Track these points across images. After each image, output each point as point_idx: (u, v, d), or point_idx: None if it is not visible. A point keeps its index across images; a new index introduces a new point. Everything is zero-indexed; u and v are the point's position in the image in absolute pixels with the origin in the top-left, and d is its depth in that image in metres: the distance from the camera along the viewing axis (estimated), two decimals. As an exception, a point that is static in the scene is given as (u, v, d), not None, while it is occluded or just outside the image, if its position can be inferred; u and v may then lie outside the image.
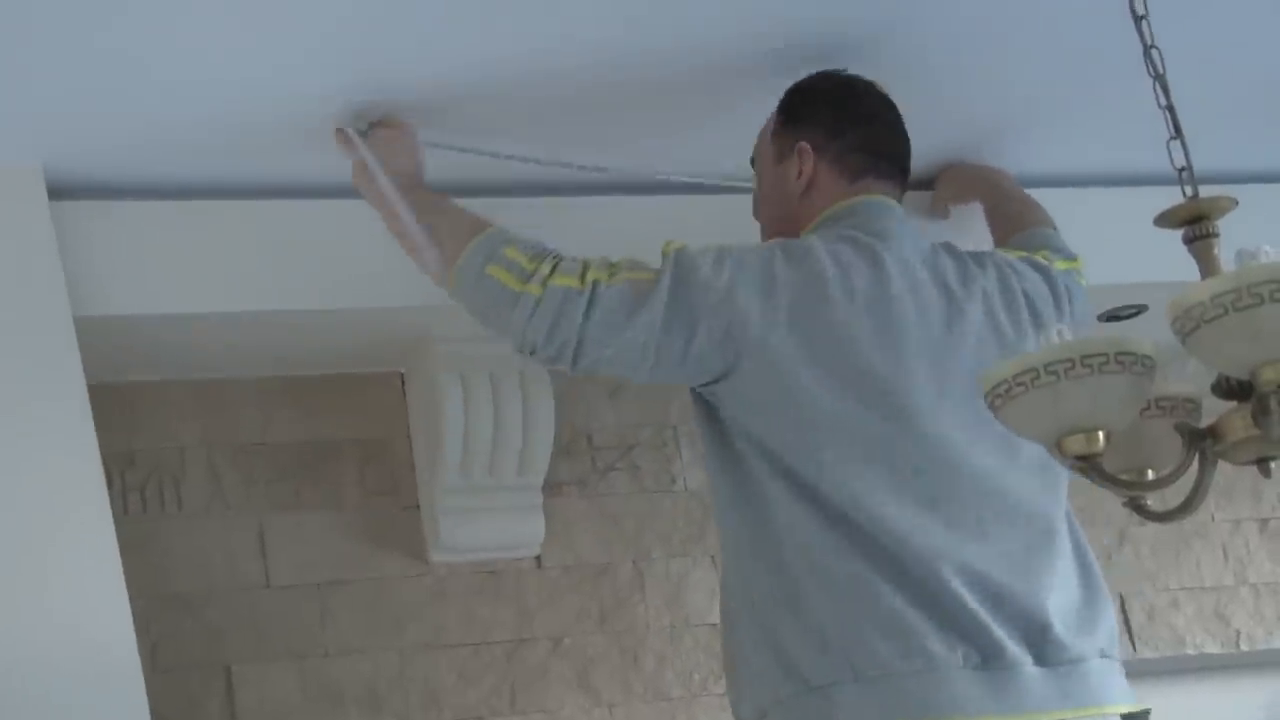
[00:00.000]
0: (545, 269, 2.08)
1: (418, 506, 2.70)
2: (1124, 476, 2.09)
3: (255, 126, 2.34)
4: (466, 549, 2.68)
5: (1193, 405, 2.14)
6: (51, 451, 2.23)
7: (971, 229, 2.65)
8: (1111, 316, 2.92)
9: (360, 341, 2.59)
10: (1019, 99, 2.59)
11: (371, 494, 2.70)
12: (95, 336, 2.32)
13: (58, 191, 2.34)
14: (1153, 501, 2.12)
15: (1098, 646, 2.06)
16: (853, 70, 2.32)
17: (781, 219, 2.26)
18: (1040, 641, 2.00)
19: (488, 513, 2.67)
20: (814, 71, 2.31)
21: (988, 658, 1.97)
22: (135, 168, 2.38)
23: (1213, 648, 3.05)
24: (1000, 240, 2.54)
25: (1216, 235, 2.02)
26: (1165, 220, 2.04)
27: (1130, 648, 2.99)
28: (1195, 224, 2.03)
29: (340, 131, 2.28)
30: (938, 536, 2.00)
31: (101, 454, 2.26)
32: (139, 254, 2.40)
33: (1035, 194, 2.75)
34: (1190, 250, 2.04)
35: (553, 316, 2.06)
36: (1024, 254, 2.38)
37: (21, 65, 2.12)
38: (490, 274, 2.10)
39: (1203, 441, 2.02)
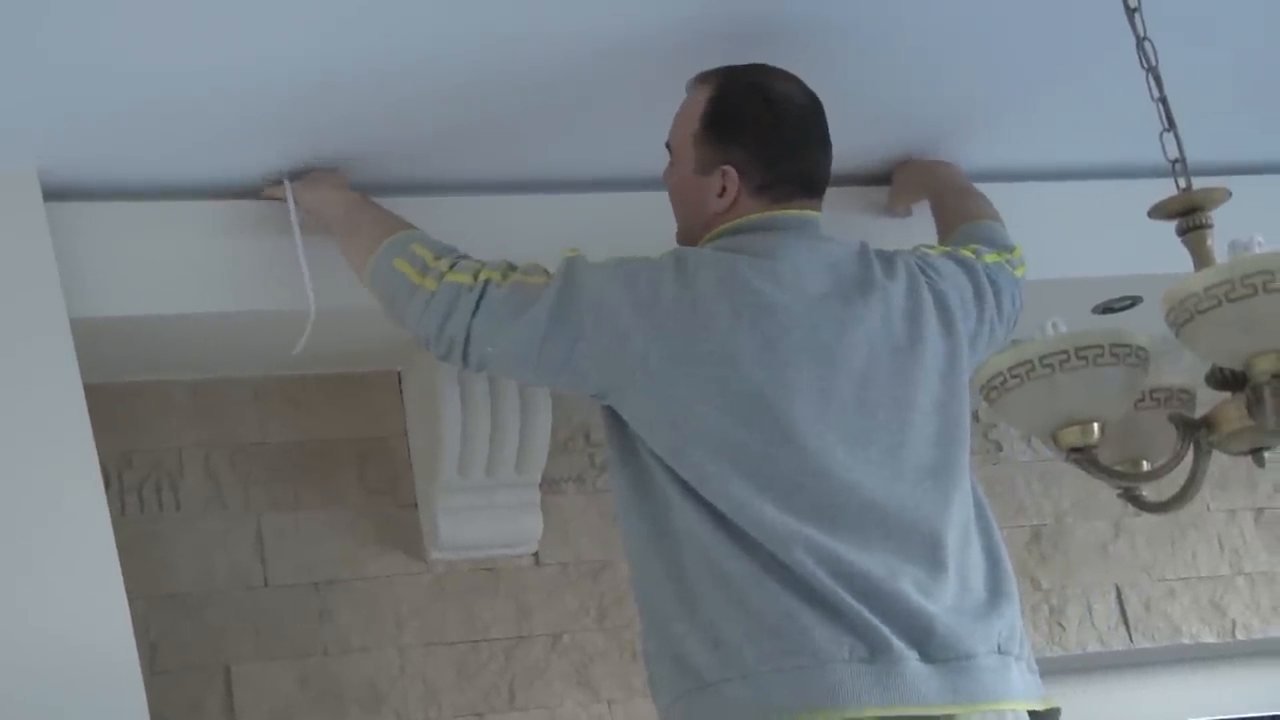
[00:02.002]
0: (444, 266, 2.20)
1: (416, 505, 2.71)
2: (1119, 468, 2.10)
3: (250, 127, 2.34)
4: (465, 547, 2.68)
5: (1187, 396, 2.16)
6: (49, 453, 2.23)
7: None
8: (1105, 309, 2.92)
9: (357, 341, 2.59)
10: (1010, 90, 2.59)
11: (369, 493, 2.70)
12: (92, 338, 2.32)
13: (53, 193, 2.34)
14: (1148, 492, 2.13)
15: (993, 643, 2.06)
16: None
17: (691, 220, 2.27)
18: (925, 639, 2.01)
19: (486, 510, 2.67)
20: (737, 61, 2.25)
21: (875, 651, 1.99)
22: (130, 169, 2.38)
23: (1209, 637, 3.05)
24: (941, 237, 2.54)
25: (1210, 226, 2.04)
26: (1159, 212, 2.06)
27: (1127, 638, 2.99)
28: (1189, 215, 2.04)
29: (275, 186, 2.43)
30: (819, 543, 2.02)
31: (99, 455, 2.26)
32: (135, 255, 2.40)
33: (1025, 187, 2.77)
34: (1184, 242, 2.05)
35: (444, 311, 2.17)
36: (949, 250, 2.38)
37: (16, 67, 2.12)
38: (396, 266, 2.23)
39: (1197, 432, 2.03)
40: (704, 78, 2.26)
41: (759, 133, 2.22)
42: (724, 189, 2.21)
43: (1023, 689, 2.07)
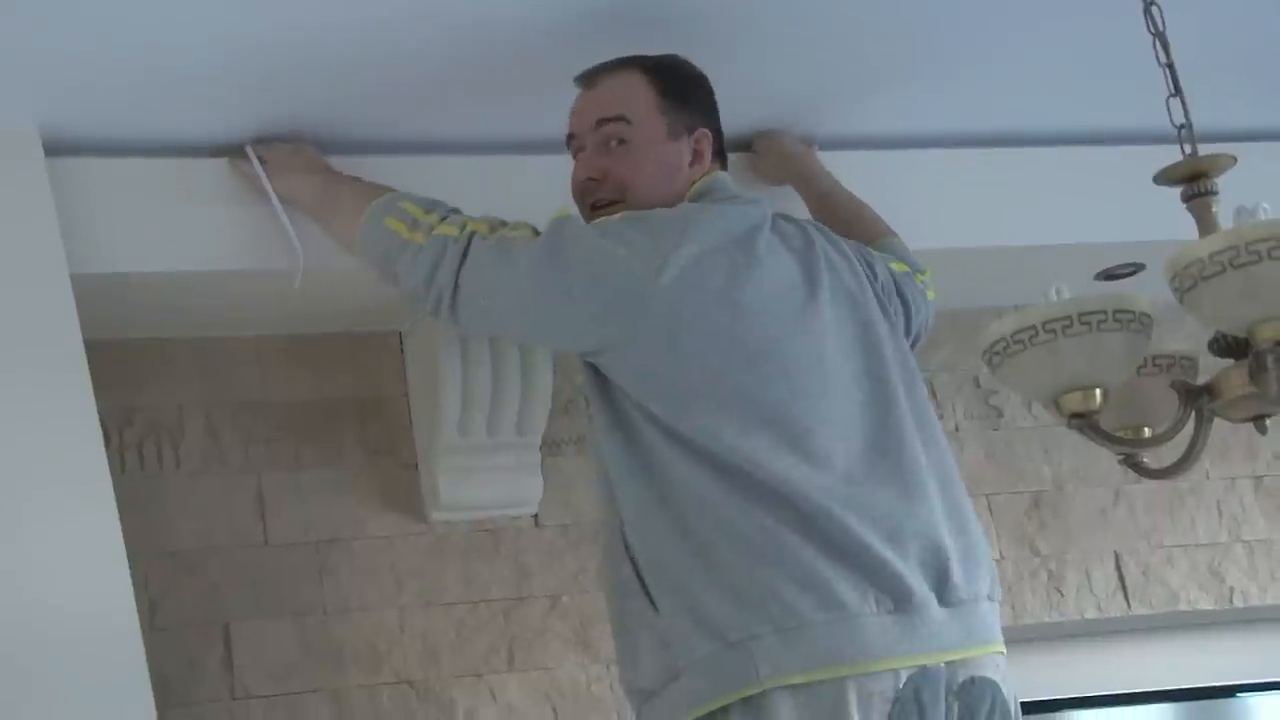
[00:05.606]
0: (434, 219, 2.21)
1: (416, 465, 2.71)
2: (1121, 434, 2.10)
3: (253, 83, 2.33)
4: (465, 507, 2.68)
5: (1189, 363, 2.15)
6: (49, 409, 2.23)
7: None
8: (1109, 275, 2.92)
9: (359, 300, 2.59)
10: (1017, 59, 2.58)
11: (370, 453, 2.70)
12: (92, 294, 2.32)
13: (55, 148, 2.33)
14: (1149, 459, 2.13)
15: (985, 590, 2.10)
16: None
17: (660, 188, 2.24)
18: (943, 582, 2.04)
19: (486, 471, 2.67)
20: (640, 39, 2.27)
21: (899, 601, 2.00)
22: (133, 125, 2.37)
23: (1207, 604, 3.06)
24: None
25: (1215, 193, 2.03)
26: (1164, 178, 2.05)
27: (1125, 604, 3.00)
28: (1194, 181, 2.03)
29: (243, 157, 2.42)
30: (836, 488, 2.03)
31: (99, 412, 2.26)
32: (136, 211, 2.40)
33: (1034, 152, 2.77)
34: (1189, 208, 2.04)
35: (432, 262, 2.18)
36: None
37: (17, 20, 2.11)
38: (387, 225, 2.24)
39: (1199, 399, 2.03)
40: (619, 63, 2.26)
41: (707, 97, 2.29)
42: (697, 153, 2.24)
43: (1000, 636, 2.12)
